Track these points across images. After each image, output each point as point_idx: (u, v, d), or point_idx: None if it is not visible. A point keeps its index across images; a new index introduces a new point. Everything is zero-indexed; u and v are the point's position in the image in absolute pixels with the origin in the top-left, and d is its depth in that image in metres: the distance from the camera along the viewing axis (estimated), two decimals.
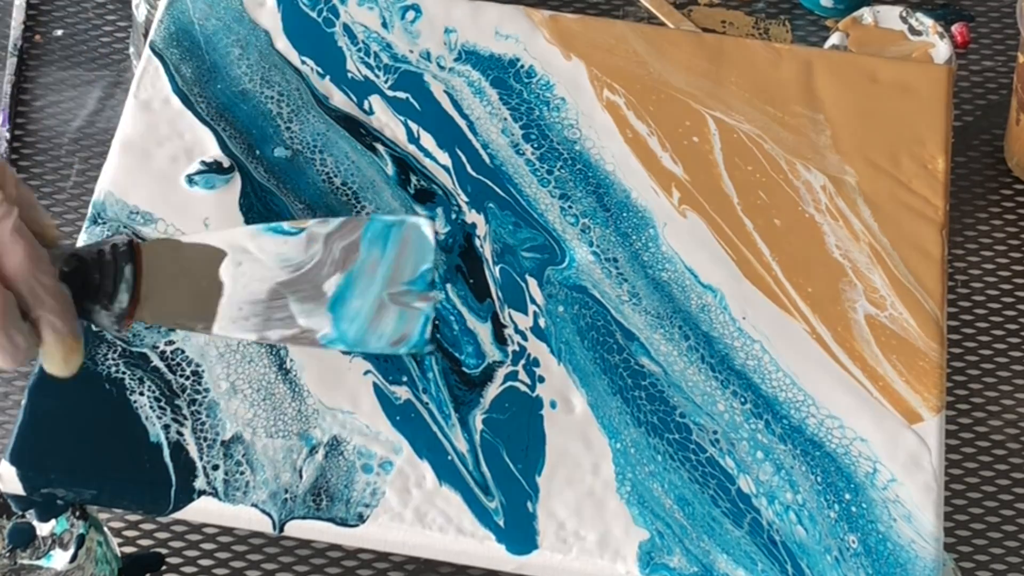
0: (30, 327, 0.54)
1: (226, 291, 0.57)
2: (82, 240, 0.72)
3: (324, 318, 0.57)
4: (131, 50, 0.96)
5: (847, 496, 0.66)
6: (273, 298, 0.57)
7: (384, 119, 0.76)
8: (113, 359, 0.69)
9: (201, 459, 0.67)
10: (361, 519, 0.65)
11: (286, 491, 0.66)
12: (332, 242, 0.58)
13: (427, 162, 0.75)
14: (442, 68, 0.78)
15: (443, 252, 0.72)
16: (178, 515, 0.66)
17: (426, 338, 0.57)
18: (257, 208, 0.73)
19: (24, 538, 0.70)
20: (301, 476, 0.66)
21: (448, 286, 0.71)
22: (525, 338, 0.69)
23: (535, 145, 0.75)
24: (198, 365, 0.69)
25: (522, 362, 0.69)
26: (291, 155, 0.75)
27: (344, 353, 0.66)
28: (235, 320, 0.57)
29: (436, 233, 0.58)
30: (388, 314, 0.57)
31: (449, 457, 0.66)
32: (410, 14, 0.80)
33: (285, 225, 0.58)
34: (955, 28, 0.97)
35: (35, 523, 0.70)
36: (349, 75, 0.78)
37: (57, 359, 0.56)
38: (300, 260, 0.57)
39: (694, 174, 0.74)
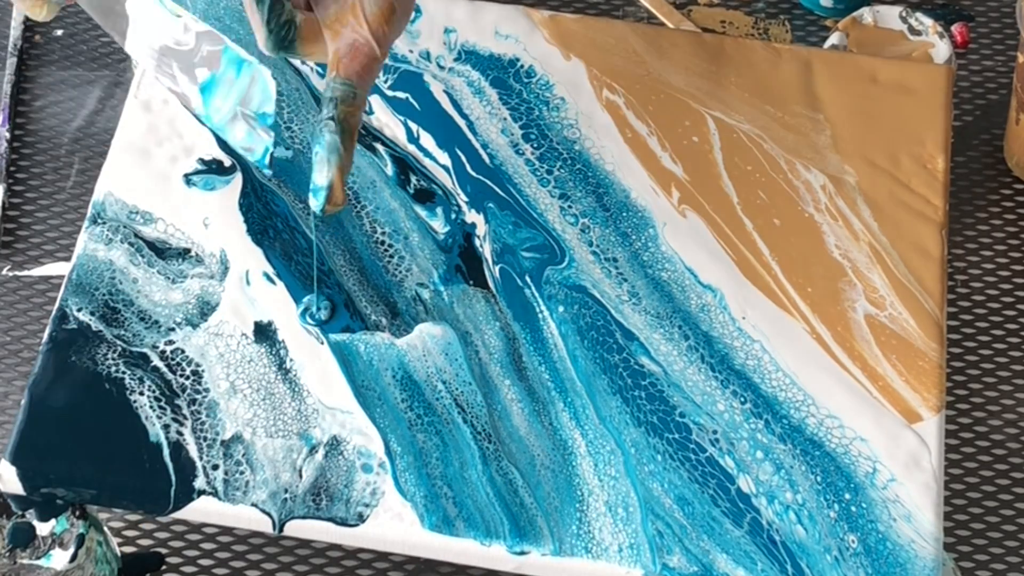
0: None
1: (131, 23, 0.66)
2: (82, 241, 0.72)
3: (196, 96, 0.66)
4: None
5: (847, 496, 0.66)
6: (162, 54, 0.66)
7: (384, 119, 0.76)
8: (113, 359, 0.69)
9: (201, 459, 0.67)
10: (361, 519, 0.66)
11: (286, 491, 0.66)
12: (201, 41, 0.65)
13: (427, 162, 0.75)
14: (442, 68, 0.78)
15: (443, 252, 0.72)
16: (178, 515, 0.66)
17: (265, 162, 0.65)
18: (257, 208, 0.73)
19: (24, 538, 0.70)
20: (301, 476, 0.66)
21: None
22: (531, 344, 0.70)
23: (535, 145, 0.75)
24: (198, 365, 0.69)
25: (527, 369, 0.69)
26: (291, 155, 0.75)
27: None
28: (138, 48, 0.66)
29: (276, 85, 0.65)
30: (240, 125, 0.66)
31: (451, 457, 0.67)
32: None
33: (166, 2, 0.65)
34: (955, 28, 0.97)
35: (35, 523, 0.70)
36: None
37: (27, 6, 0.65)
38: (179, 39, 0.65)
39: (694, 174, 0.74)
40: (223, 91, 0.65)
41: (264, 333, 0.70)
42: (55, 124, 0.94)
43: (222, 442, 0.67)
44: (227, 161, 0.74)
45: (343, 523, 0.66)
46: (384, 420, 0.67)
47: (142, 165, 0.74)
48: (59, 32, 0.98)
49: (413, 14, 0.79)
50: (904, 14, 0.90)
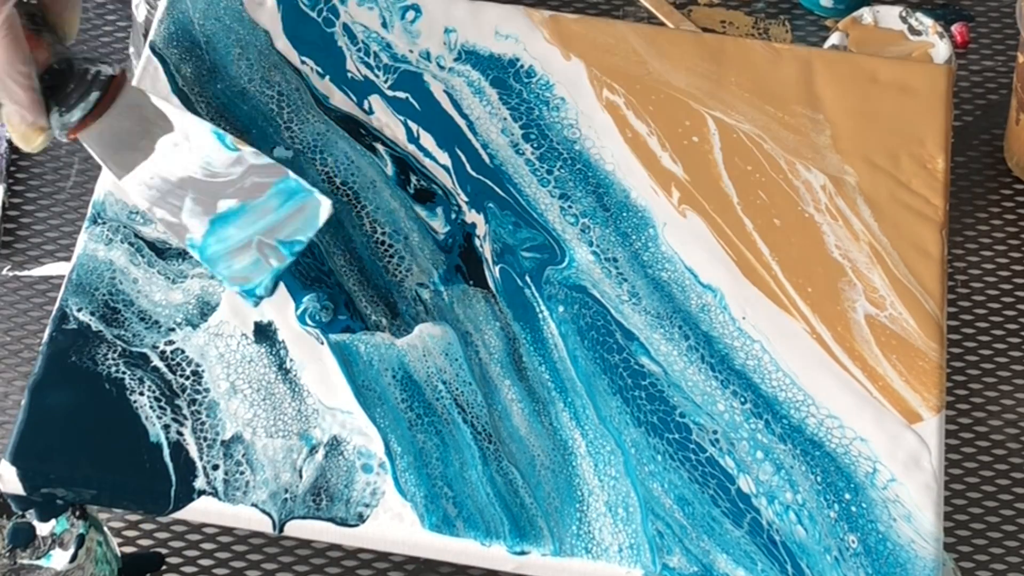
0: None
1: (152, 158, 0.66)
2: (82, 241, 0.72)
3: (201, 225, 0.65)
4: (131, 50, 0.96)
5: (847, 496, 0.66)
6: (178, 185, 0.66)
7: (384, 119, 0.76)
8: (113, 359, 0.69)
9: (201, 459, 0.67)
10: (361, 519, 0.66)
11: (286, 491, 0.66)
12: (250, 174, 0.66)
13: (427, 162, 0.75)
14: (442, 68, 0.78)
15: (443, 252, 0.72)
16: (178, 515, 0.66)
17: (260, 294, 0.65)
18: None
19: (24, 538, 0.70)
20: (301, 476, 0.66)
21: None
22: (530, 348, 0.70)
23: (535, 145, 0.75)
24: (198, 365, 0.69)
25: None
26: (291, 155, 0.75)
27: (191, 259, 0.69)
28: (141, 183, 0.66)
29: (328, 219, 0.66)
30: (247, 254, 0.65)
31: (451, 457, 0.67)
32: (410, 14, 0.80)
33: (228, 139, 0.66)
34: (955, 28, 0.97)
35: (35, 523, 0.70)
36: (349, 75, 0.78)
37: (17, 137, 0.65)
38: (217, 171, 0.66)
39: (694, 174, 0.74)
40: (247, 220, 0.65)
41: (264, 333, 0.70)
42: None
43: (222, 442, 0.67)
44: None
45: (343, 523, 0.66)
46: (384, 420, 0.67)
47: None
48: None
49: (413, 14, 0.80)
50: (904, 14, 0.90)
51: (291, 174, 0.66)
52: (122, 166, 0.67)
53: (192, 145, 0.66)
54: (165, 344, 0.69)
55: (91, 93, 0.66)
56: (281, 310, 0.70)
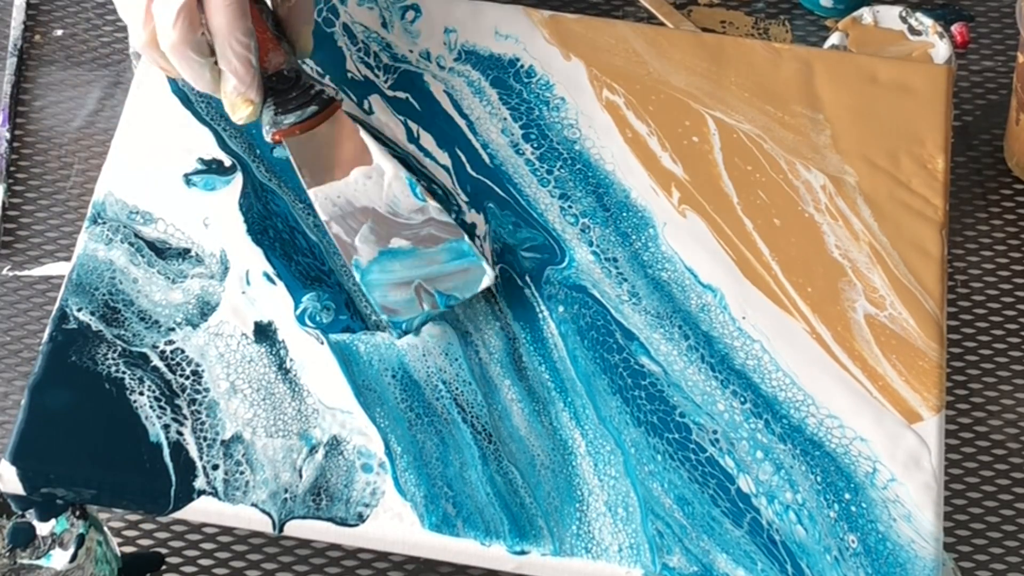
0: (214, 64, 0.69)
1: (345, 181, 0.71)
2: (82, 241, 0.72)
3: (370, 253, 0.70)
4: (131, 50, 0.96)
5: (847, 496, 0.66)
6: (360, 212, 0.71)
7: (384, 119, 0.76)
8: (113, 359, 0.69)
9: (201, 459, 0.67)
10: (361, 519, 0.66)
11: (286, 491, 0.66)
12: (428, 225, 0.71)
13: (427, 162, 0.75)
14: (442, 68, 0.78)
15: None
16: (178, 515, 0.66)
17: (405, 328, 0.68)
18: (257, 208, 0.73)
19: (24, 538, 0.70)
20: (301, 476, 0.66)
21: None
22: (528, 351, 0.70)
23: (535, 145, 0.75)
24: (198, 365, 0.69)
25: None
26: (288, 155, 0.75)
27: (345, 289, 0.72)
28: (328, 198, 0.71)
29: (489, 287, 0.70)
30: (404, 292, 0.69)
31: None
32: (410, 14, 0.80)
33: (419, 190, 0.71)
34: (955, 28, 0.97)
35: (35, 523, 0.70)
36: (349, 75, 0.78)
37: (227, 103, 0.70)
38: (400, 213, 0.71)
39: (694, 174, 0.74)
40: (414, 263, 0.70)
41: (264, 333, 0.70)
42: (55, 124, 0.95)
43: (222, 442, 0.67)
44: (227, 161, 0.74)
45: (343, 523, 0.66)
46: (384, 420, 0.67)
47: (142, 165, 0.74)
48: (59, 32, 0.98)
49: (413, 14, 0.80)
50: (904, 14, 0.90)
51: (466, 238, 0.71)
52: (315, 178, 0.71)
53: (384, 183, 0.72)
54: (165, 344, 0.69)
55: (310, 106, 0.71)
56: (281, 310, 0.70)
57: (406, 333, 0.69)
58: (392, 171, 0.72)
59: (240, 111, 0.70)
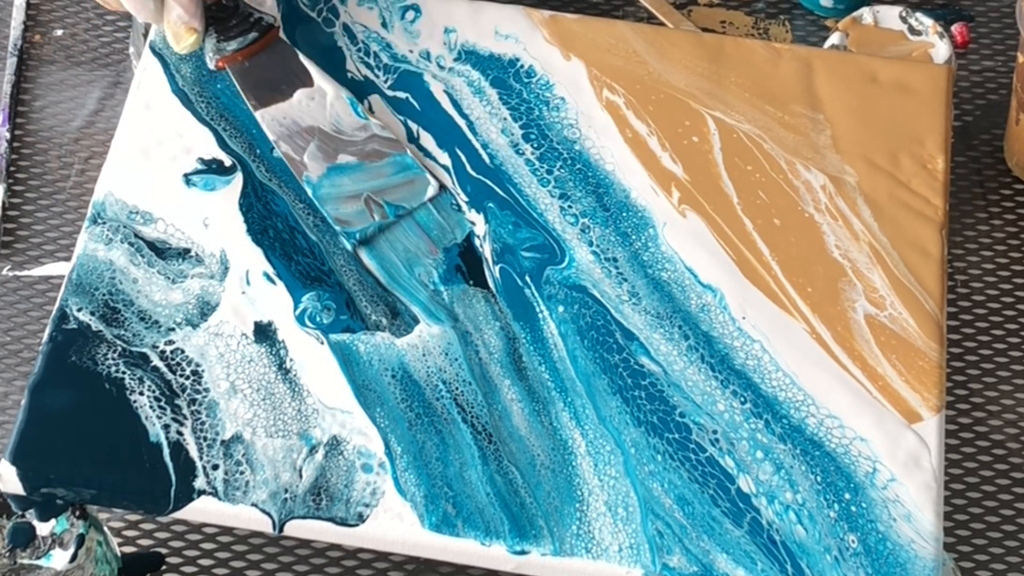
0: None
1: (289, 102, 0.75)
2: (82, 241, 0.72)
3: (319, 169, 0.73)
4: (131, 50, 0.96)
5: (847, 496, 0.66)
6: (306, 131, 0.74)
7: (384, 119, 0.76)
8: (113, 359, 0.69)
9: (201, 459, 0.67)
10: (361, 519, 0.66)
11: (286, 491, 0.66)
12: (372, 141, 0.74)
13: (427, 162, 0.75)
14: (442, 68, 0.78)
15: (443, 252, 0.72)
16: (178, 515, 0.66)
17: (359, 238, 0.72)
18: (257, 208, 0.73)
19: (24, 538, 0.70)
20: (301, 476, 0.66)
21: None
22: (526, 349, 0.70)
23: (535, 145, 0.75)
24: (198, 365, 0.69)
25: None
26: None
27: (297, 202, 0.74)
28: (274, 119, 0.74)
29: (432, 198, 0.73)
30: (355, 204, 0.73)
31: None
32: (410, 14, 0.80)
33: (360, 108, 0.75)
34: (955, 28, 0.97)
35: (35, 523, 0.70)
36: (349, 75, 0.78)
37: (170, 34, 0.75)
38: (344, 131, 0.74)
39: (694, 174, 0.74)
40: (361, 177, 0.73)
41: (264, 333, 0.70)
42: (55, 124, 0.94)
43: (222, 442, 0.67)
44: (227, 161, 0.74)
45: (343, 523, 0.66)
46: (384, 420, 0.67)
47: (142, 165, 0.74)
48: (59, 32, 0.98)
49: (413, 14, 0.80)
50: (904, 14, 0.90)
51: (409, 152, 0.74)
52: (259, 100, 0.75)
53: (326, 103, 0.75)
54: (165, 344, 0.69)
55: (250, 33, 0.76)
56: (281, 310, 0.70)
57: (360, 243, 0.72)
58: (333, 92, 0.75)
59: (184, 40, 0.74)
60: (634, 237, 0.73)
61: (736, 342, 0.70)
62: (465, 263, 0.72)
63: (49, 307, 0.88)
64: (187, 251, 0.72)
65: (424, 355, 0.69)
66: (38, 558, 0.70)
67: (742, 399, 0.68)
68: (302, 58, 0.76)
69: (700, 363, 0.69)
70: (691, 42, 0.79)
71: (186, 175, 0.74)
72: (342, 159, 0.74)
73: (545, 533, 0.65)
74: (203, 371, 0.69)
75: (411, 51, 0.78)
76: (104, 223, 0.73)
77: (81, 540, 0.70)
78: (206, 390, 0.68)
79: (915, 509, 0.65)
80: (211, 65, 0.76)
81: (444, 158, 0.75)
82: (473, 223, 0.73)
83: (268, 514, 0.66)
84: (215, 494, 0.66)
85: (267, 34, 0.76)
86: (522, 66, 0.78)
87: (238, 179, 0.74)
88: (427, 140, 0.76)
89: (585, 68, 0.78)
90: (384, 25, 0.79)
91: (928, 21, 0.89)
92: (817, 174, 0.75)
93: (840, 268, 0.72)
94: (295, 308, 0.70)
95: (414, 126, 0.76)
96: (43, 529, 0.70)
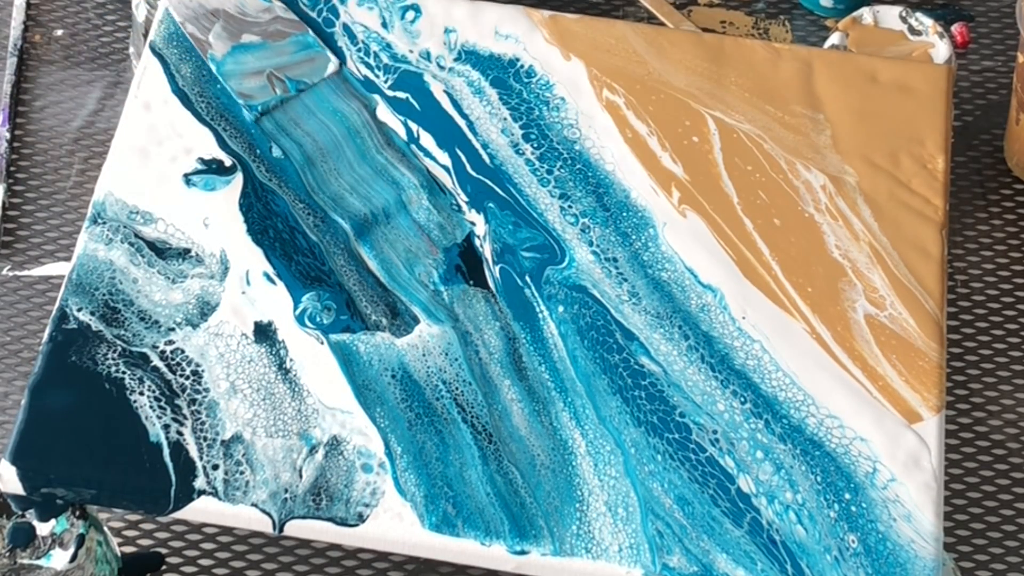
0: None
1: None
2: (82, 241, 0.72)
3: (224, 47, 0.77)
4: (131, 50, 0.96)
5: (847, 496, 0.66)
6: (211, 12, 0.78)
7: (384, 119, 0.76)
8: (113, 359, 0.69)
9: (201, 459, 0.67)
10: (361, 519, 0.66)
11: (286, 491, 0.66)
12: (275, 23, 0.78)
13: (427, 162, 0.75)
14: (442, 68, 0.78)
15: (443, 252, 0.72)
16: (178, 515, 0.66)
17: (261, 110, 0.75)
18: (257, 208, 0.73)
19: (24, 538, 0.70)
20: (301, 476, 0.66)
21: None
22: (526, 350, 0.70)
23: (535, 145, 0.75)
24: (198, 365, 0.69)
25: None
26: (283, 155, 0.75)
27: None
28: (181, 2, 0.78)
29: (332, 74, 0.77)
30: (258, 79, 0.76)
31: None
32: (410, 14, 0.80)
33: None
34: (955, 28, 0.97)
35: (35, 523, 0.70)
36: (349, 75, 0.78)
37: None
38: (248, 12, 0.78)
39: (694, 174, 0.74)
40: (264, 55, 0.77)
41: (264, 333, 0.70)
42: (55, 124, 0.94)
43: (222, 442, 0.67)
44: (227, 161, 0.74)
45: (343, 523, 0.66)
46: (384, 420, 0.67)
47: (142, 165, 0.74)
48: (59, 32, 0.98)
49: (413, 14, 0.80)
50: (904, 14, 0.90)
51: (311, 32, 0.78)
52: None
53: None
54: (165, 344, 0.69)
55: None
56: (281, 310, 0.70)
57: (262, 115, 0.75)
58: None
59: None
60: (634, 237, 0.73)
61: (736, 342, 0.70)
62: (465, 263, 0.72)
63: (49, 307, 0.88)
64: (187, 251, 0.72)
65: (424, 355, 0.69)
66: (38, 558, 0.70)
67: (742, 399, 0.68)
68: None
69: (700, 363, 0.69)
70: (691, 42, 0.79)
71: (186, 175, 0.74)
72: (246, 38, 0.78)
73: (545, 533, 0.65)
74: (203, 371, 0.69)
75: (411, 51, 0.78)
76: (104, 223, 0.73)
77: (81, 540, 0.70)
78: (206, 390, 0.68)
79: (915, 509, 0.65)
80: None
81: (444, 158, 0.75)
82: (473, 223, 0.73)
83: (268, 514, 0.66)
84: (215, 494, 0.66)
85: None
86: (522, 66, 0.78)
87: (238, 179, 0.74)
88: (427, 140, 0.76)
89: (585, 68, 0.78)
90: (384, 25, 0.79)
91: (928, 21, 0.89)
92: (817, 174, 0.75)
93: (840, 268, 0.72)
94: (295, 308, 0.70)
95: (414, 126, 0.76)
96: (43, 529, 0.70)
